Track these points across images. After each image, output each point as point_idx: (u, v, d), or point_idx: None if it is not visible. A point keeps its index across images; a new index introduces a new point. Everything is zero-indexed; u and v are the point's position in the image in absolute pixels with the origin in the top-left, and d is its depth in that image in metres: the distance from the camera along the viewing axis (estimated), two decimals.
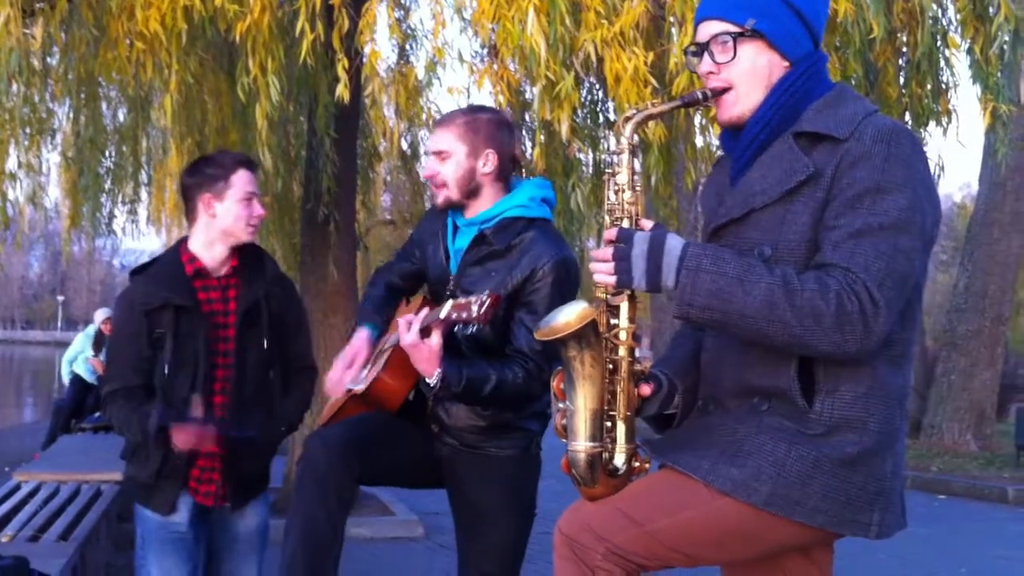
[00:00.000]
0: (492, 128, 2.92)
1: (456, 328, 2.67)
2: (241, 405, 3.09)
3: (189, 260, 3.11)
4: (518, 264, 2.81)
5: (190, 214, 3.14)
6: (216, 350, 3.07)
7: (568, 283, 2.82)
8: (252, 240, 3.16)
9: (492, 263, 2.85)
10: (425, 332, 2.64)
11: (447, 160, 2.89)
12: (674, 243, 1.96)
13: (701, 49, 2.11)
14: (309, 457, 2.72)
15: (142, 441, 3.02)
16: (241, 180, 3.09)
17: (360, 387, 2.90)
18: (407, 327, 2.66)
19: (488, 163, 2.89)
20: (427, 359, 2.65)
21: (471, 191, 2.90)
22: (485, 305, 2.54)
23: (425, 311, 2.75)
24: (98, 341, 10.92)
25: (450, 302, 2.62)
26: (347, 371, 2.92)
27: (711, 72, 2.09)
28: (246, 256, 3.18)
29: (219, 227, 3.09)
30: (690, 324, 2.21)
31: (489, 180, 2.90)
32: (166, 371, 3.00)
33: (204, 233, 3.12)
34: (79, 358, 11.23)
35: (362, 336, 2.99)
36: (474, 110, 3.00)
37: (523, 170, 3.51)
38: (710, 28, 2.09)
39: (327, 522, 2.68)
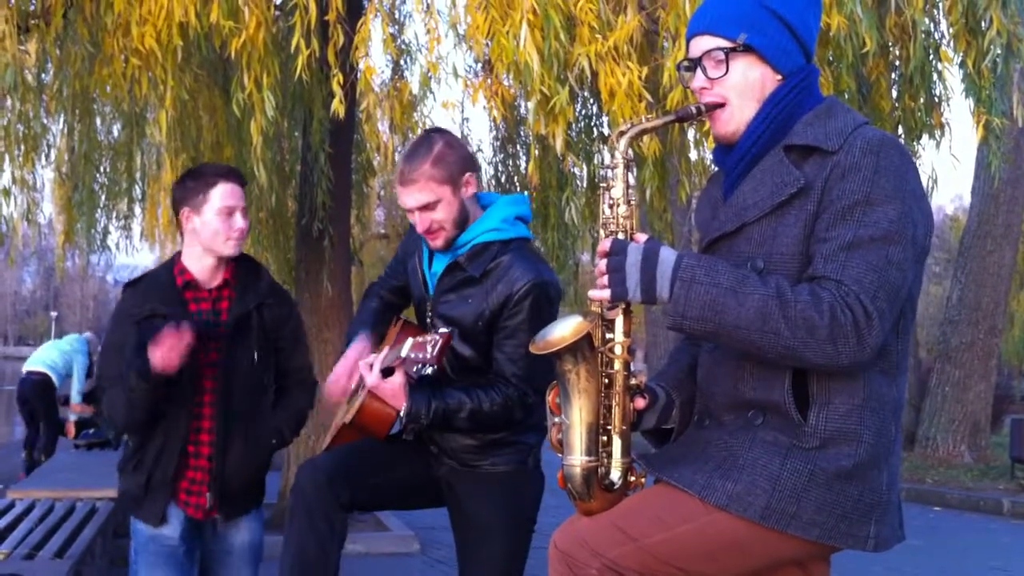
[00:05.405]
0: (453, 152, 2.84)
1: (415, 368, 2.64)
2: (229, 416, 3.08)
3: (180, 272, 3.12)
4: (494, 290, 2.79)
5: (179, 227, 3.15)
6: (205, 360, 3.07)
7: (546, 305, 2.79)
8: (237, 254, 3.11)
9: (468, 290, 2.84)
10: (388, 371, 2.70)
11: (437, 207, 2.80)
12: (668, 254, 1.96)
13: (694, 64, 2.12)
14: (298, 486, 2.77)
15: (134, 402, 2.95)
16: (220, 193, 3.05)
17: (348, 417, 2.91)
18: (368, 369, 2.73)
19: (470, 186, 2.86)
20: (392, 396, 2.72)
21: (464, 221, 2.87)
22: (438, 345, 2.57)
23: (386, 351, 2.79)
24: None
25: (410, 341, 2.66)
26: (351, 376, 2.93)
27: (704, 88, 2.10)
28: (241, 268, 3.18)
29: (200, 241, 3.09)
30: (684, 335, 2.21)
31: (472, 202, 2.90)
32: None
33: (191, 246, 3.13)
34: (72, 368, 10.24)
35: (362, 342, 3.01)
36: (424, 147, 2.82)
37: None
38: (702, 44, 2.10)
39: (318, 547, 2.72)
